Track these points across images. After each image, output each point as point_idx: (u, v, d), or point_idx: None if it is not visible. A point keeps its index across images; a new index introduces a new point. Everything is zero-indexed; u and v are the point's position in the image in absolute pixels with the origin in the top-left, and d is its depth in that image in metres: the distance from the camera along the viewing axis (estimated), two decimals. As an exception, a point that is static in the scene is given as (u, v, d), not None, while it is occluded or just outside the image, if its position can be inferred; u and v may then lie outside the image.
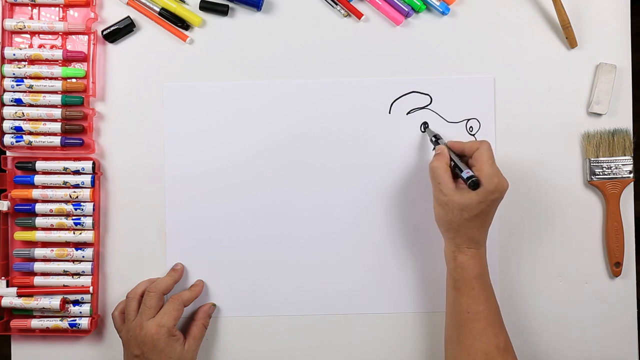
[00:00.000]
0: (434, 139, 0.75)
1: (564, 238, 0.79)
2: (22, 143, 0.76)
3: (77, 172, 0.77)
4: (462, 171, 0.69)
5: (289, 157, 0.79)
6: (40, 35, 0.78)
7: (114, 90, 0.79)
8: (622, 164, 0.78)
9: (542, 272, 0.79)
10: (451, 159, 0.71)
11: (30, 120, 0.77)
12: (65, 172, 0.77)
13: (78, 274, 0.77)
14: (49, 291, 0.77)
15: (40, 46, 0.78)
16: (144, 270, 0.78)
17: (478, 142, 0.71)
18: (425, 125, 0.78)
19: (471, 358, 0.68)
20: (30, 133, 0.77)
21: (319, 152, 0.79)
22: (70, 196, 0.77)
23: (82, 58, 0.77)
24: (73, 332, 0.77)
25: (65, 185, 0.77)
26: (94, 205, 0.77)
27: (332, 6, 0.78)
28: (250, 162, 0.79)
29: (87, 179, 0.77)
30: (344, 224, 0.79)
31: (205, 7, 0.78)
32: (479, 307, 0.69)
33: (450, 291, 0.72)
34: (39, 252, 0.77)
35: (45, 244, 0.78)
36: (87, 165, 0.77)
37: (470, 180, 0.68)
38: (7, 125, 0.76)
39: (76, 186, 0.77)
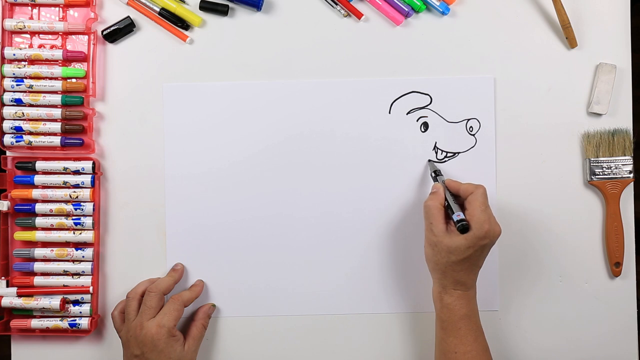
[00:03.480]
0: (433, 174, 0.76)
1: (564, 238, 0.79)
2: (22, 143, 0.76)
3: (77, 172, 0.77)
4: (453, 213, 0.69)
5: (288, 157, 0.79)
6: (40, 35, 0.78)
7: (114, 90, 0.79)
8: (622, 164, 0.78)
9: (542, 272, 0.79)
10: (445, 199, 0.71)
11: (30, 120, 0.77)
12: (65, 172, 0.77)
13: (78, 274, 0.77)
14: (49, 291, 0.77)
15: (40, 46, 0.78)
16: (144, 270, 0.78)
17: (473, 185, 0.71)
18: (422, 127, 0.78)
19: None
20: (30, 133, 0.77)
21: (319, 152, 0.79)
22: (70, 196, 0.77)
23: (82, 58, 0.77)
24: (73, 332, 0.77)
25: (65, 185, 0.77)
26: (94, 205, 0.77)
27: (332, 6, 0.78)
28: (250, 162, 0.79)
29: (87, 179, 0.77)
30: (344, 224, 0.79)
31: (205, 7, 0.78)
32: (466, 348, 0.69)
33: (437, 330, 0.72)
34: (39, 252, 0.77)
35: (45, 244, 0.78)
36: (87, 165, 0.77)
37: (459, 224, 0.68)
38: (7, 125, 0.76)
39: (76, 186, 0.77)
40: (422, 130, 0.79)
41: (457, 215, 0.69)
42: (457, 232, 0.68)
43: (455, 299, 0.70)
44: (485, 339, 0.72)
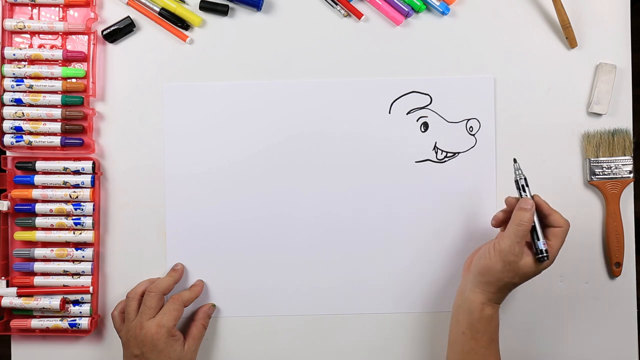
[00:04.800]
0: (523, 181, 0.71)
1: (564, 238, 0.79)
2: (22, 143, 0.76)
3: (77, 172, 0.77)
4: (539, 239, 0.68)
5: (288, 157, 0.79)
6: (40, 35, 0.78)
7: (114, 90, 0.79)
8: (622, 164, 0.78)
9: (542, 272, 0.79)
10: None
11: (30, 120, 0.77)
12: (65, 172, 0.77)
13: (78, 274, 0.77)
14: (49, 291, 0.77)
15: (40, 46, 0.78)
16: (144, 270, 0.78)
17: (563, 219, 0.69)
18: (422, 127, 0.77)
19: None
20: (30, 133, 0.77)
21: (319, 152, 0.79)
22: (70, 196, 0.77)
23: (82, 58, 0.77)
24: (73, 332, 0.77)
25: (65, 185, 0.77)
26: (94, 205, 0.77)
27: (332, 6, 0.78)
28: (250, 162, 0.79)
29: (87, 179, 0.77)
30: (344, 224, 0.79)
31: (205, 7, 0.78)
32: (495, 358, 0.70)
33: (466, 341, 0.70)
34: (39, 252, 0.77)
35: (45, 244, 0.77)
36: (87, 165, 0.77)
37: (541, 255, 0.68)
38: (7, 125, 0.76)
39: (76, 186, 0.77)
40: (422, 130, 0.79)
41: (544, 244, 0.68)
42: (532, 258, 0.68)
43: (495, 312, 0.70)
44: None
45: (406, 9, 0.78)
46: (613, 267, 0.78)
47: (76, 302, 0.78)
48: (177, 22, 0.78)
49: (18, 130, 0.76)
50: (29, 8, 0.78)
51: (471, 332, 0.69)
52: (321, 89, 0.79)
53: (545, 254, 0.68)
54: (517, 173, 0.71)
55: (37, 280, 0.77)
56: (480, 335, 0.69)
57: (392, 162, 0.79)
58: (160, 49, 0.79)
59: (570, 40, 0.78)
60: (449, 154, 0.79)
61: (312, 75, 0.79)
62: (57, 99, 0.76)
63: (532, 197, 0.70)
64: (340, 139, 0.79)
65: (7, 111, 0.76)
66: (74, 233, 0.77)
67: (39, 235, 0.77)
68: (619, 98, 0.79)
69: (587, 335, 0.79)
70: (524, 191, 0.71)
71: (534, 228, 0.69)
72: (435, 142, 0.79)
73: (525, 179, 0.71)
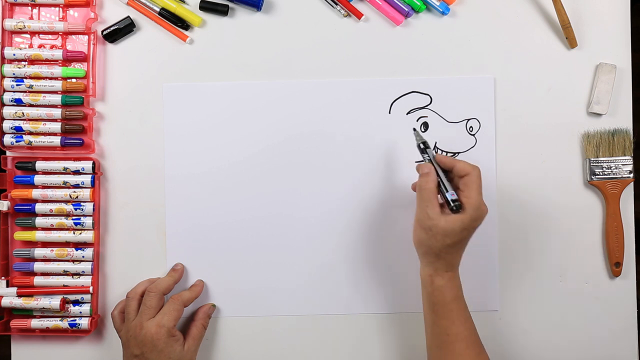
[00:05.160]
0: (422, 145, 0.72)
1: (564, 238, 0.79)
2: (22, 143, 0.76)
3: (77, 172, 0.77)
4: (447, 191, 0.68)
5: (288, 157, 0.79)
6: (40, 35, 0.78)
7: (114, 90, 0.79)
8: (622, 164, 0.78)
9: (542, 272, 0.79)
10: (438, 175, 0.69)
11: (30, 120, 0.77)
12: (65, 172, 0.77)
13: (78, 274, 0.77)
14: (49, 291, 0.77)
15: (40, 46, 0.78)
16: (144, 270, 0.78)
17: (469, 165, 0.69)
18: (422, 127, 0.77)
19: None
20: (30, 133, 0.77)
21: (319, 152, 0.79)
22: (70, 196, 0.77)
23: (82, 58, 0.77)
24: (73, 332, 0.77)
25: (65, 185, 0.77)
26: (94, 205, 0.77)
27: (332, 6, 0.78)
28: (250, 162, 0.79)
29: (87, 179, 0.77)
30: (344, 224, 0.79)
31: (205, 7, 0.78)
32: (458, 329, 0.69)
33: (428, 314, 0.71)
34: (39, 252, 0.77)
35: (45, 244, 0.78)
36: (87, 165, 0.77)
37: (454, 204, 0.67)
38: (7, 125, 0.76)
39: (76, 186, 0.77)
40: (422, 130, 0.79)
41: (452, 194, 0.68)
42: (451, 214, 0.67)
43: (447, 281, 0.69)
44: (472, 320, 0.71)
45: (406, 9, 0.78)
46: (613, 267, 0.78)
47: (76, 302, 0.78)
48: (177, 22, 0.78)
49: (18, 130, 0.76)
50: (29, 8, 0.78)
51: (430, 305, 0.70)
52: (321, 89, 0.79)
53: (456, 203, 0.67)
54: (417, 139, 0.72)
55: (37, 280, 0.77)
56: (438, 308, 0.69)
57: (392, 162, 0.79)
58: (160, 49, 0.79)
59: (570, 40, 0.78)
60: (449, 154, 0.79)
61: (312, 75, 0.79)
62: (57, 99, 0.76)
63: (434, 156, 0.71)
64: (340, 139, 0.79)
65: (7, 111, 0.76)
66: (74, 233, 0.77)
67: (39, 235, 0.77)
68: (619, 98, 0.79)
69: (587, 335, 0.79)
70: (425, 153, 0.71)
71: (440, 185, 0.69)
72: (435, 142, 0.79)
73: (423, 142, 0.72)
